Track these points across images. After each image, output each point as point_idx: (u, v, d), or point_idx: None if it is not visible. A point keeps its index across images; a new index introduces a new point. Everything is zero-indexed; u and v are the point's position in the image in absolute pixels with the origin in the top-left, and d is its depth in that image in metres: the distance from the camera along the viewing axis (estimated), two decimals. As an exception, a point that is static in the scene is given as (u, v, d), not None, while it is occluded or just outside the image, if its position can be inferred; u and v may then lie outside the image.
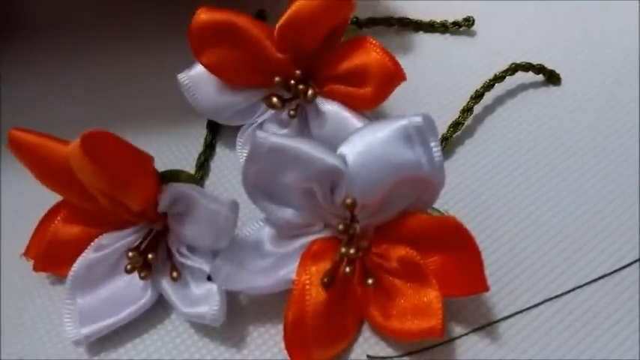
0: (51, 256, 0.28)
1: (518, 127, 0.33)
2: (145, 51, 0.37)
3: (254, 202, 0.26)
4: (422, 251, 0.25)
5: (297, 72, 0.30)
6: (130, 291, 0.26)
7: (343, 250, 0.25)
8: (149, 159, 0.25)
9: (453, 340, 0.26)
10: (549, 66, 0.34)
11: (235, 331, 0.27)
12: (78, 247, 0.27)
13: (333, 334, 0.25)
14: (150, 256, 0.26)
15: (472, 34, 0.37)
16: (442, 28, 0.37)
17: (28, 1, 0.36)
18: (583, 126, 0.32)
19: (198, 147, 0.32)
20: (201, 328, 0.27)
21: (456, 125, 0.31)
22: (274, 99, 0.30)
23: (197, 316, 0.25)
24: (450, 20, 0.37)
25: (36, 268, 0.28)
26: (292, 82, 0.30)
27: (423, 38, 0.37)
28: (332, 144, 0.26)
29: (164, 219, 0.26)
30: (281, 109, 0.30)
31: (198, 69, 0.31)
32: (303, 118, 0.31)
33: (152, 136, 0.33)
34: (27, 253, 0.28)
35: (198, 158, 0.32)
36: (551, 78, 0.34)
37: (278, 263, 0.26)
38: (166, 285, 0.26)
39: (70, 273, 0.27)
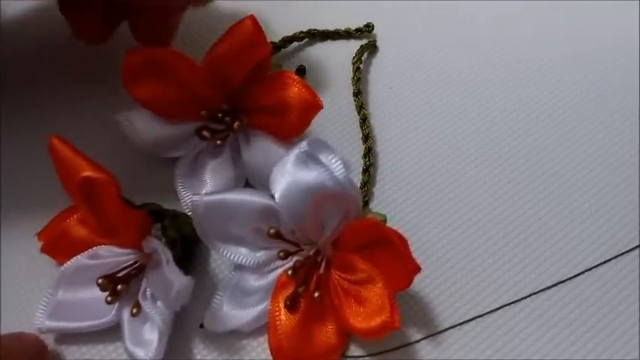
0: (57, 245, 0.31)
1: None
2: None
3: (213, 249, 0.29)
4: (366, 254, 0.27)
5: (224, 106, 0.32)
6: (99, 306, 0.29)
7: (290, 273, 0.28)
8: (139, 215, 0.28)
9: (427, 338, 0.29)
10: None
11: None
12: (80, 247, 0.30)
13: (316, 350, 0.28)
14: (119, 287, 0.28)
15: (374, 38, 0.41)
16: (346, 34, 0.40)
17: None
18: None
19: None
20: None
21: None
22: (204, 131, 0.33)
23: (133, 357, 0.27)
24: (353, 27, 0.40)
25: (42, 250, 0.31)
26: (219, 115, 0.32)
27: (330, 46, 0.40)
28: (263, 171, 0.30)
29: (149, 258, 0.29)
30: (212, 140, 0.33)
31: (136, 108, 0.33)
32: (236, 147, 0.33)
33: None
34: (40, 235, 0.31)
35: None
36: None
37: (262, 298, 0.29)
38: (126, 316, 0.29)
39: (62, 268, 0.30)
